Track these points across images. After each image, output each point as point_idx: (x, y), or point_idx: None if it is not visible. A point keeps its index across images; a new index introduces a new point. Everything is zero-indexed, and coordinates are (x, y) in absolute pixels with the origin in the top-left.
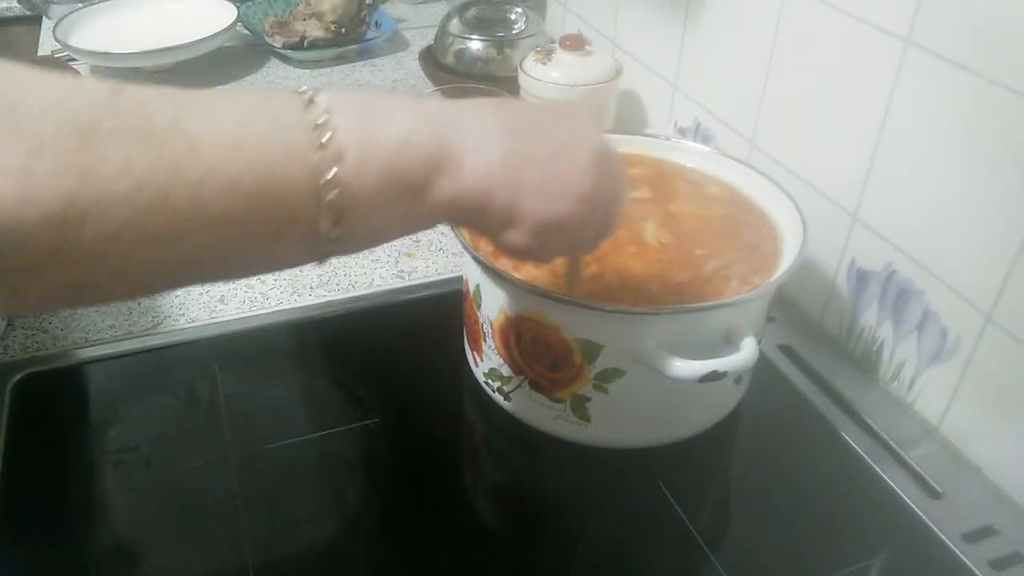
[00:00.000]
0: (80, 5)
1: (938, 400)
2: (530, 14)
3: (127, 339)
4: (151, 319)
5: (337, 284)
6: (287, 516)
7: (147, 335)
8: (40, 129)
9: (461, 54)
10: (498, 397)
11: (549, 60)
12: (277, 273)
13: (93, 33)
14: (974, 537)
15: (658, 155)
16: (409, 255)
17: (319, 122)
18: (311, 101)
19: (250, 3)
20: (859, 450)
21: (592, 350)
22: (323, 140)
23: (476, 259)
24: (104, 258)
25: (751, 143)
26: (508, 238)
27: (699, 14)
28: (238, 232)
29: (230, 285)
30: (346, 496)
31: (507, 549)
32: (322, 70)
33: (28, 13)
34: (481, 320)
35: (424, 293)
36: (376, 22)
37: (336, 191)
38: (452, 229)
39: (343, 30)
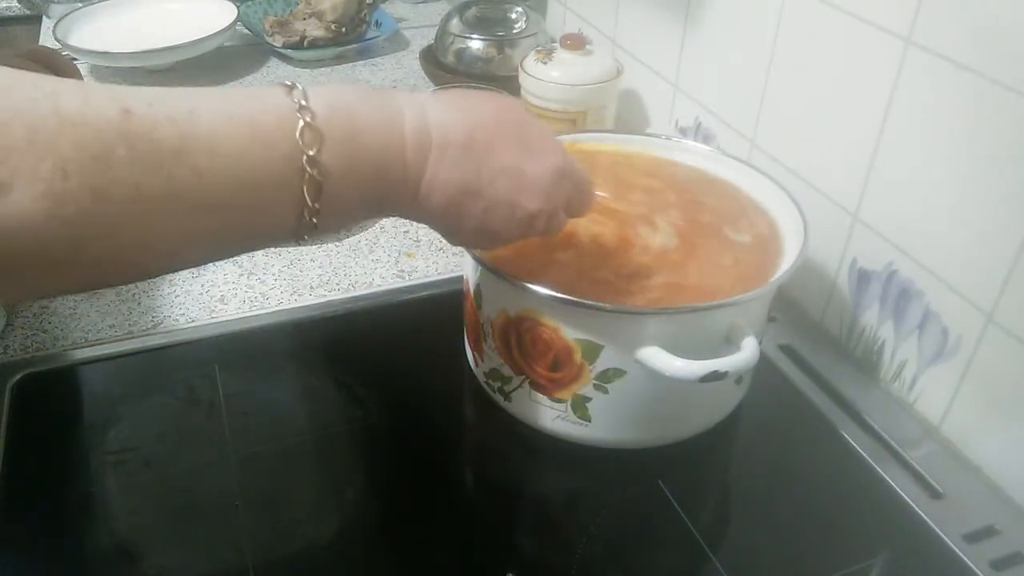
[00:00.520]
0: (80, 5)
1: (939, 400)
2: (531, 13)
3: (127, 339)
4: (151, 319)
5: (337, 284)
6: (287, 516)
7: (147, 335)
8: (61, 153)
9: (461, 53)
10: (498, 397)
11: (550, 60)
12: (277, 273)
13: (93, 32)
14: (975, 537)
15: (659, 155)
16: (409, 255)
17: (310, 154)
18: (303, 116)
19: (250, 2)
20: (860, 450)
21: (592, 350)
22: (309, 175)
23: (476, 259)
24: (115, 265)
25: (752, 143)
26: (488, 242)
27: (700, 14)
28: (233, 234)
29: (230, 285)
30: (346, 496)
31: (507, 549)
32: (322, 69)
33: (28, 13)
34: (481, 320)
35: (424, 293)
36: (376, 21)
37: (318, 206)
38: None
39: (343, 29)
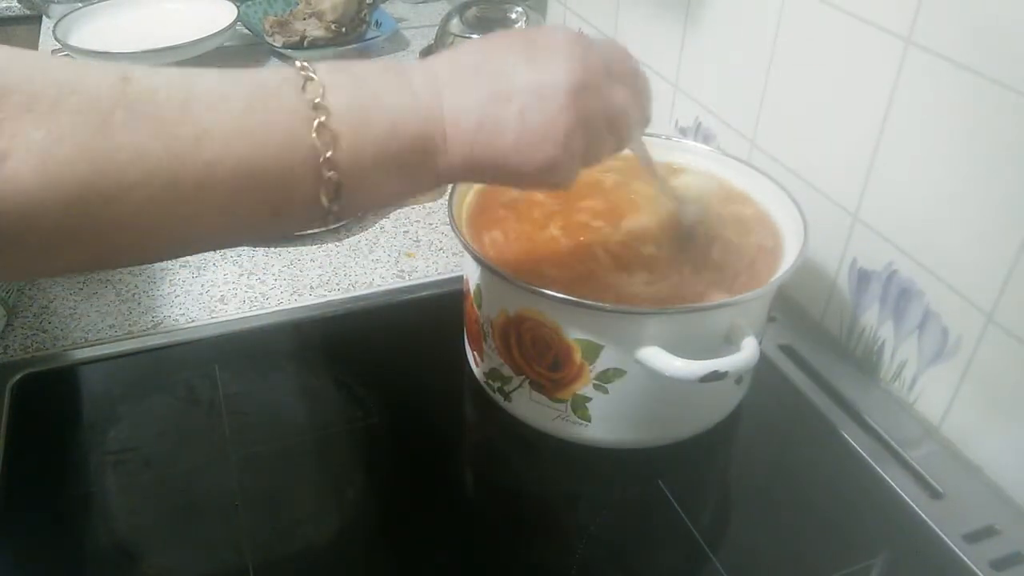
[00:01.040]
0: (80, 5)
1: (939, 400)
2: (531, 13)
3: (127, 339)
4: (151, 319)
5: (337, 284)
6: (287, 516)
7: (147, 335)
8: (58, 118)
9: None
10: (498, 397)
11: None
12: (277, 273)
13: (93, 32)
14: (975, 537)
15: (658, 155)
16: (409, 255)
17: (316, 102)
18: (308, 78)
19: (250, 2)
20: (860, 450)
21: (592, 350)
22: (319, 124)
23: (476, 259)
24: (121, 237)
25: (752, 143)
26: (520, 185)
27: (700, 14)
28: (244, 209)
29: (230, 285)
30: (346, 496)
31: (507, 549)
32: None
33: (28, 13)
34: (481, 320)
35: (424, 293)
36: (376, 21)
37: (332, 172)
38: (452, 229)
39: (343, 29)
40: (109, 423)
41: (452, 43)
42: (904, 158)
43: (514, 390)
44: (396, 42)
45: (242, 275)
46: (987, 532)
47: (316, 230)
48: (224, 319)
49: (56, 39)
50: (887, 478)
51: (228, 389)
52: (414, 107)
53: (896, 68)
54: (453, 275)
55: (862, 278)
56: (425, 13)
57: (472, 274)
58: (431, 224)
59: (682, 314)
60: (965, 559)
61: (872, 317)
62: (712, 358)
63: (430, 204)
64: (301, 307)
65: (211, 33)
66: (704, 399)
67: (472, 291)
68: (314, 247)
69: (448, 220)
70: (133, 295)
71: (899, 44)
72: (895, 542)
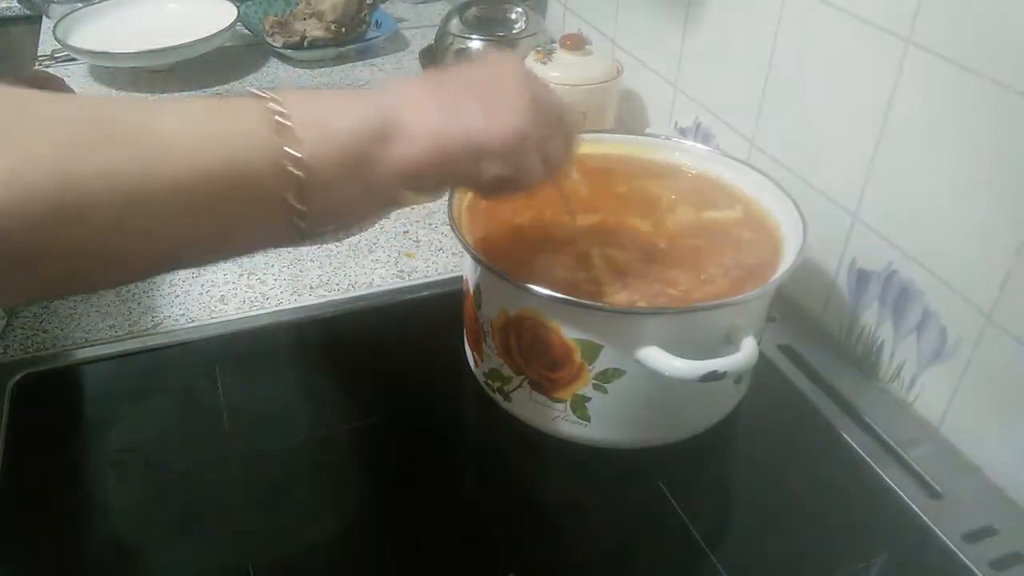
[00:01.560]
0: (80, 5)
1: (938, 400)
2: (530, 13)
3: (127, 339)
4: (151, 319)
5: (337, 284)
6: (287, 516)
7: (147, 335)
8: (28, 144)
9: (461, 54)
10: (498, 397)
11: (549, 60)
12: (277, 273)
13: (93, 33)
14: (974, 537)
15: (658, 155)
16: (409, 255)
17: (277, 110)
18: (268, 98)
19: (250, 3)
20: (859, 450)
21: (592, 350)
22: (281, 127)
23: (476, 259)
24: (94, 252)
25: (751, 143)
26: (486, 172)
27: (699, 14)
28: (215, 218)
29: (230, 285)
30: (346, 496)
31: (507, 549)
32: (322, 70)
33: (28, 13)
34: (481, 320)
35: (424, 293)
36: (376, 21)
37: (298, 172)
38: (452, 229)
39: (343, 29)
40: (109, 423)
41: (452, 43)
42: (904, 158)
43: (514, 390)
44: (396, 42)
45: (242, 275)
46: (986, 532)
47: (291, 244)
48: (224, 319)
49: (56, 39)
50: (886, 478)
51: (228, 389)
52: (373, 102)
53: (896, 68)
54: (453, 275)
55: (861, 278)
56: (425, 13)
57: (472, 274)
58: (431, 224)
59: (681, 314)
60: (964, 559)
61: (871, 317)
62: (711, 358)
63: (430, 204)
64: (301, 307)
65: (211, 33)
66: (703, 399)
67: (472, 291)
68: (314, 247)
69: (448, 220)
70: (133, 295)
71: (899, 44)
72: (894, 542)
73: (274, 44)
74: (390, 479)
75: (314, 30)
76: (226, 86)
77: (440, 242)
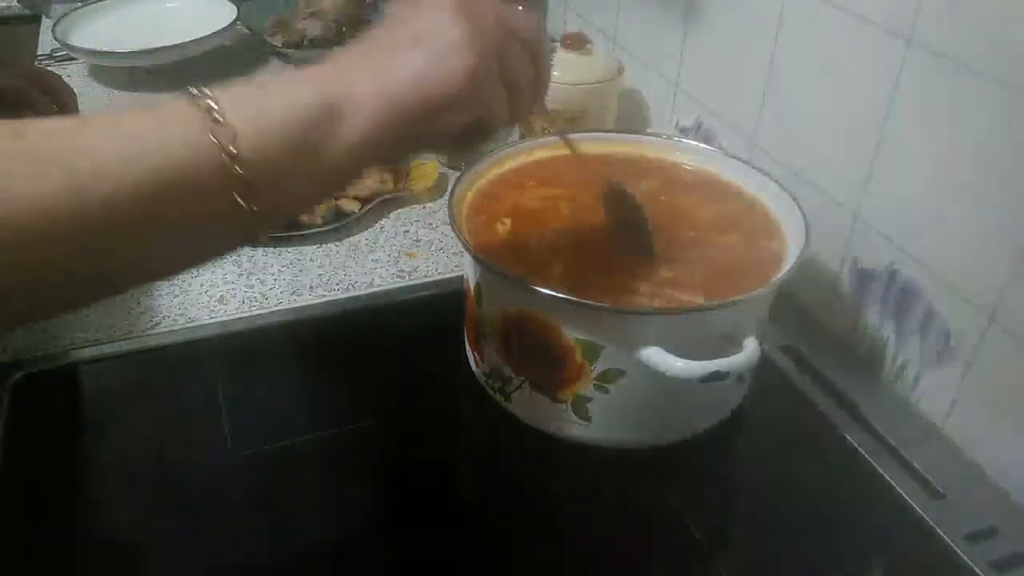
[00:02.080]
0: (80, 4)
1: (941, 400)
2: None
3: (127, 339)
4: (151, 319)
5: (337, 284)
6: (287, 516)
7: (147, 335)
8: None
9: None
10: (498, 397)
11: (550, 59)
12: (277, 273)
13: (93, 32)
14: (976, 538)
15: (659, 155)
16: (409, 255)
17: (208, 106)
18: (196, 95)
19: (250, 2)
20: (861, 450)
21: (593, 350)
22: (214, 122)
23: (476, 259)
24: (43, 284)
25: (752, 142)
26: (446, 122)
27: (701, 13)
28: (164, 228)
29: (230, 285)
30: (346, 496)
31: (507, 549)
32: None
33: (28, 12)
34: (482, 320)
35: (424, 293)
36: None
37: (240, 167)
38: (452, 229)
39: (343, 29)
40: (109, 423)
41: None
42: (905, 158)
43: (514, 390)
44: None
45: (242, 275)
46: (988, 533)
47: (247, 244)
48: (224, 319)
49: (56, 39)
50: (888, 478)
51: (228, 389)
52: (310, 82)
53: (897, 68)
54: (453, 275)
55: (863, 278)
56: None
57: (472, 274)
58: (431, 224)
59: (683, 314)
60: (966, 559)
61: (874, 317)
62: (713, 358)
63: (430, 204)
64: (301, 307)
65: (211, 33)
66: (705, 399)
67: (472, 291)
68: (314, 247)
69: (448, 220)
70: (133, 295)
71: (900, 44)
72: (896, 542)
73: (274, 44)
74: (390, 479)
75: (314, 30)
76: None
77: (440, 242)
